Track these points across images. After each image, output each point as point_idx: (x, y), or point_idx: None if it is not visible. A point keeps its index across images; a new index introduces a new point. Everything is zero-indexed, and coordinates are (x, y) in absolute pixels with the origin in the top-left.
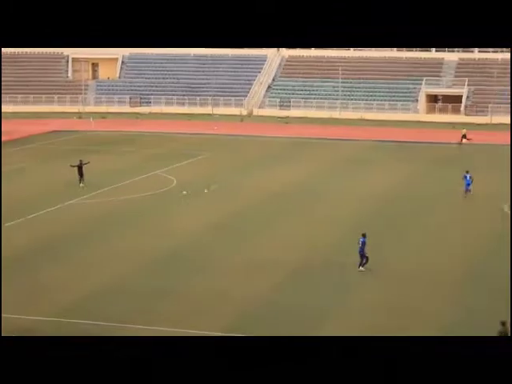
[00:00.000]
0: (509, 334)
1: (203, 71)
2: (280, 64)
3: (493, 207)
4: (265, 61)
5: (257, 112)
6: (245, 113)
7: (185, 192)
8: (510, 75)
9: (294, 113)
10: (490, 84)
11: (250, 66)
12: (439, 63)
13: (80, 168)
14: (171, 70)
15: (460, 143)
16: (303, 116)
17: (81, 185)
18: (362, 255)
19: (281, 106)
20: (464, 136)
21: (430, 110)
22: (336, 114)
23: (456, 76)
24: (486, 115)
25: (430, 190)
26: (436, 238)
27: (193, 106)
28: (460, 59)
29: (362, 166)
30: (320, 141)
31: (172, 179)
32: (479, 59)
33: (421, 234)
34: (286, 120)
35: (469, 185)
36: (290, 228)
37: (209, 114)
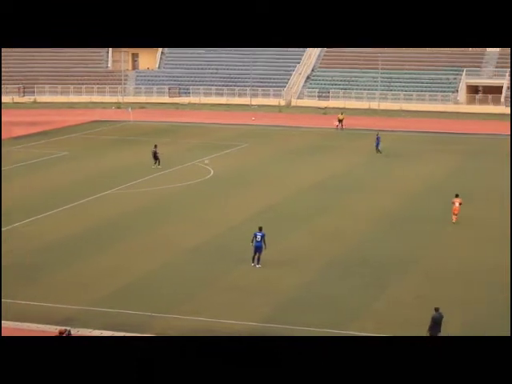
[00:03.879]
0: (441, 321)
1: (242, 62)
2: (319, 55)
3: None
4: (304, 51)
5: (295, 102)
6: (283, 103)
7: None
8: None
9: (332, 103)
10: None
11: (289, 57)
12: (480, 54)
13: (155, 153)
14: (210, 61)
15: (337, 128)
16: (342, 107)
17: (156, 166)
18: (258, 248)
19: (319, 96)
20: (340, 120)
21: (471, 101)
22: (375, 105)
23: (497, 67)
24: None
25: (475, 183)
26: (468, 233)
27: (231, 97)
28: (502, 49)
29: (402, 157)
30: (358, 131)
31: (209, 169)
32: None
33: (455, 228)
34: (325, 111)
35: None
36: (330, 220)
37: (247, 105)
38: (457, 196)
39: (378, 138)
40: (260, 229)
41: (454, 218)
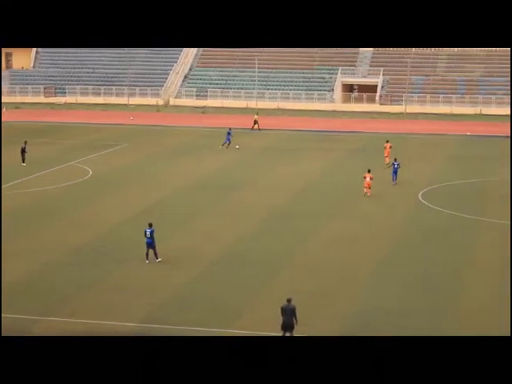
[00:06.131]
0: (291, 312)
1: (119, 61)
2: (197, 54)
3: (411, 196)
4: (181, 50)
5: (173, 102)
6: (161, 103)
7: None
8: (510, 69)
9: (210, 103)
10: (405, 74)
11: (166, 56)
12: (355, 53)
13: (23, 149)
14: (86, 60)
15: (254, 129)
16: (220, 106)
17: (21, 164)
18: (150, 245)
19: (197, 95)
20: (255, 121)
21: (346, 100)
22: (253, 104)
23: (371, 66)
24: (400, 104)
25: (346, 179)
26: (348, 228)
27: (108, 96)
28: (375, 49)
29: (282, 155)
30: (237, 131)
31: (88, 170)
32: (394, 49)
33: (336, 223)
34: (203, 110)
35: (395, 172)
36: (211, 218)
37: (125, 104)
38: (369, 171)
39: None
40: (150, 225)
41: (365, 190)
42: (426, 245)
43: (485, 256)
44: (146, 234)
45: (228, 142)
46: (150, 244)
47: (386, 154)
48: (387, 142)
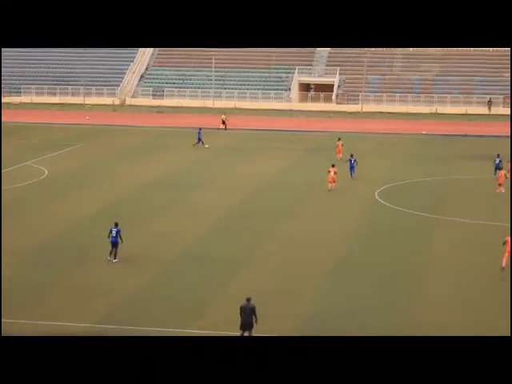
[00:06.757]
0: (250, 311)
1: (75, 60)
2: (153, 53)
3: (368, 195)
4: (138, 50)
5: (130, 101)
6: (117, 102)
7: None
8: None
9: (167, 102)
10: (361, 73)
11: (122, 55)
12: (311, 52)
13: None
14: (41, 59)
15: (221, 128)
16: (177, 105)
17: None
18: (114, 244)
19: (154, 95)
20: (223, 121)
21: (303, 99)
22: (209, 103)
23: (328, 65)
24: (356, 104)
25: (303, 179)
26: (306, 227)
27: (64, 96)
28: (332, 49)
29: (240, 154)
30: (194, 130)
31: (43, 170)
32: (350, 49)
33: (294, 223)
34: (160, 109)
35: (352, 168)
36: (169, 218)
37: (81, 104)
38: (333, 166)
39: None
40: (116, 224)
41: (329, 185)
42: (384, 243)
43: (442, 255)
44: (111, 232)
45: (199, 141)
46: (115, 243)
47: (337, 152)
48: (339, 140)
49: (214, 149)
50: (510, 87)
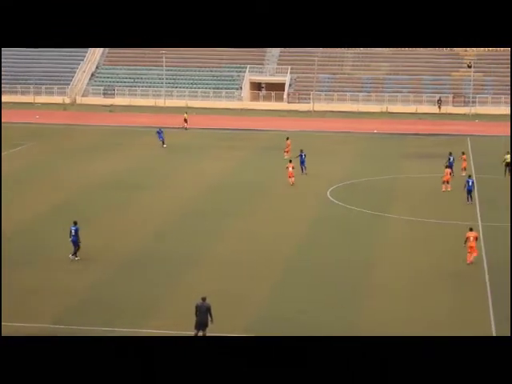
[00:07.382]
0: (206, 310)
1: (25, 59)
2: (103, 52)
3: (319, 194)
4: (88, 48)
5: (80, 100)
6: (68, 101)
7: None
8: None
9: (118, 101)
10: (312, 72)
11: (72, 54)
12: (262, 51)
13: None
14: None
15: (183, 127)
16: (128, 104)
17: None
18: (75, 243)
19: (105, 94)
20: (185, 120)
21: (254, 98)
22: (161, 102)
23: (279, 64)
24: (308, 103)
25: (255, 178)
26: (258, 227)
27: (13, 95)
28: (282, 47)
29: (191, 154)
30: (145, 129)
31: None
32: (301, 48)
33: (246, 222)
34: (111, 108)
35: (303, 162)
36: (118, 218)
37: (30, 103)
38: (290, 161)
39: (158, 133)
40: (75, 223)
41: (290, 180)
42: (335, 242)
43: (394, 254)
44: (71, 232)
45: (162, 141)
46: (75, 242)
47: (286, 150)
48: (287, 139)
49: (167, 148)
50: (510, 87)
